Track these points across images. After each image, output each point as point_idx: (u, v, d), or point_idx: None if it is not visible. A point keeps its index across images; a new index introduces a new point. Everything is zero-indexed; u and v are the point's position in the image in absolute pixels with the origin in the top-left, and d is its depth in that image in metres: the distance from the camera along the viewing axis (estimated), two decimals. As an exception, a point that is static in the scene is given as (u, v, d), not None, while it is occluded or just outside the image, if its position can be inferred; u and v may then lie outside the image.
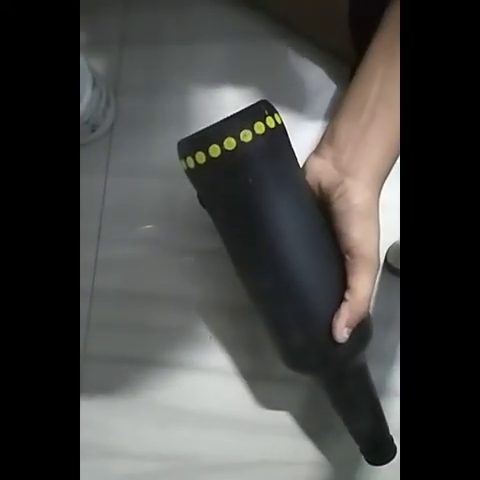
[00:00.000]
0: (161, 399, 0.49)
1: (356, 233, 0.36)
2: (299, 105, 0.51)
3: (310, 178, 0.39)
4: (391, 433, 0.42)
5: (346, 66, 0.47)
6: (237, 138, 0.34)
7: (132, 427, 0.49)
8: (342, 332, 0.36)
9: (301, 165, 0.40)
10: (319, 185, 0.38)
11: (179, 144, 0.37)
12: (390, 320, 0.47)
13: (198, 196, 0.39)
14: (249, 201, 0.36)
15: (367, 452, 0.42)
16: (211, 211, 0.39)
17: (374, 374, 0.46)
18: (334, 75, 0.51)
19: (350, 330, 0.36)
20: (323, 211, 0.38)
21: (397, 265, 0.46)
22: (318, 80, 0.51)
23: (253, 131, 0.35)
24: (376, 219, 0.37)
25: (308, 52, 0.51)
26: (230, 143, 0.34)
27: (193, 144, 0.36)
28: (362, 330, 0.38)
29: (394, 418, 0.46)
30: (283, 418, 0.48)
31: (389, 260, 0.47)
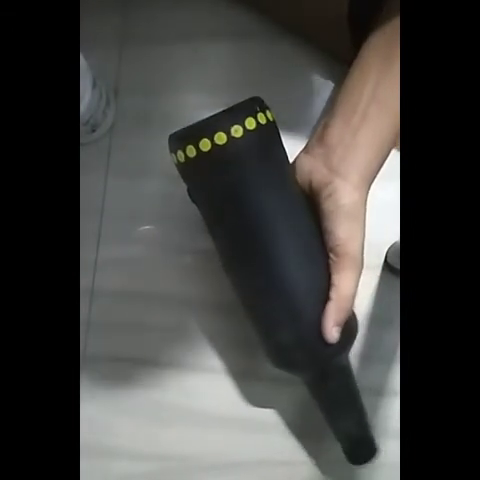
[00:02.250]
0: (161, 399, 0.49)
1: (342, 232, 0.37)
2: (298, 105, 0.51)
3: (300, 176, 0.39)
4: (373, 433, 0.43)
5: (345, 66, 0.47)
6: (228, 133, 0.34)
7: (132, 427, 0.49)
8: (332, 332, 0.36)
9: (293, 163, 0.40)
10: (309, 183, 0.39)
11: (170, 137, 0.37)
12: (390, 320, 0.47)
13: (188, 191, 0.39)
14: (237, 196, 0.36)
15: (348, 452, 0.43)
16: (200, 206, 0.39)
17: (374, 374, 0.47)
18: (333, 75, 0.51)
19: (339, 329, 0.37)
20: (311, 209, 0.38)
21: (397, 265, 0.46)
22: (317, 80, 0.51)
23: (244, 127, 0.35)
24: (362, 220, 0.38)
25: (308, 52, 0.51)
26: (221, 138, 0.34)
27: (184, 138, 0.36)
28: (347, 328, 0.38)
29: (394, 418, 0.46)
30: (282, 418, 0.48)
31: (389, 260, 0.47)
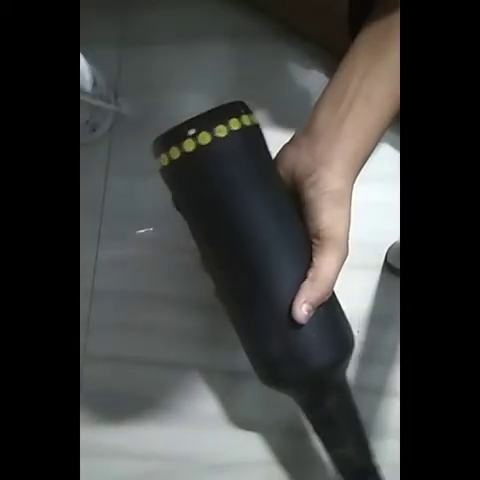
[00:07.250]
0: (161, 399, 0.49)
1: (325, 218, 0.36)
2: (298, 105, 0.51)
3: (284, 167, 0.38)
4: (377, 461, 0.40)
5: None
6: (212, 133, 0.34)
7: (132, 427, 0.49)
8: (301, 308, 0.34)
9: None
10: (292, 174, 0.38)
11: (153, 143, 0.37)
12: (390, 320, 0.47)
13: (173, 199, 0.38)
14: (222, 196, 0.35)
15: None
16: (185, 212, 0.38)
17: (374, 374, 0.46)
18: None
19: (311, 309, 0.34)
20: (297, 206, 0.37)
21: (397, 265, 0.46)
22: (317, 80, 0.51)
23: (228, 127, 0.34)
24: (347, 207, 0.37)
25: (308, 52, 0.51)
26: (205, 138, 0.34)
27: (167, 140, 0.35)
28: (341, 340, 0.37)
29: (394, 418, 0.46)
30: (282, 418, 0.48)
31: (389, 260, 0.47)
